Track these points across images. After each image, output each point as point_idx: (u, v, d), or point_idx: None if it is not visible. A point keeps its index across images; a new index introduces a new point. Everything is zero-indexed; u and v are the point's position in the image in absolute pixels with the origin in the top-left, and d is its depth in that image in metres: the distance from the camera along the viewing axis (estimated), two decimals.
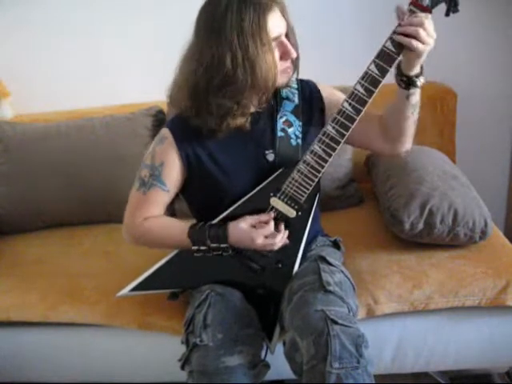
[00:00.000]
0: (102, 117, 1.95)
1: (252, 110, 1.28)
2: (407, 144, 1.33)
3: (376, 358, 1.45)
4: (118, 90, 2.08)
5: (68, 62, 2.07)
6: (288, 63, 1.24)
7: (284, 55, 1.22)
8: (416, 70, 1.16)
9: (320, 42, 1.92)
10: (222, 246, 1.26)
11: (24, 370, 1.58)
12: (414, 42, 1.08)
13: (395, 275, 1.45)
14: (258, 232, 1.24)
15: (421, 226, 1.47)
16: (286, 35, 1.22)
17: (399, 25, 1.10)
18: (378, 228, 1.67)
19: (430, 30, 1.09)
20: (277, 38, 1.19)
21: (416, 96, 1.21)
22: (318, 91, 1.37)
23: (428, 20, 1.08)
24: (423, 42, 1.08)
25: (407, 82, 1.17)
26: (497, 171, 2.23)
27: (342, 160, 1.85)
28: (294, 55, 1.22)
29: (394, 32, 1.11)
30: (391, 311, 1.42)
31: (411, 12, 1.10)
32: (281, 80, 1.25)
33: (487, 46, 2.04)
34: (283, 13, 1.21)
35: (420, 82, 1.18)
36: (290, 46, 1.21)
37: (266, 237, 1.25)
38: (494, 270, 1.44)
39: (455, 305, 1.41)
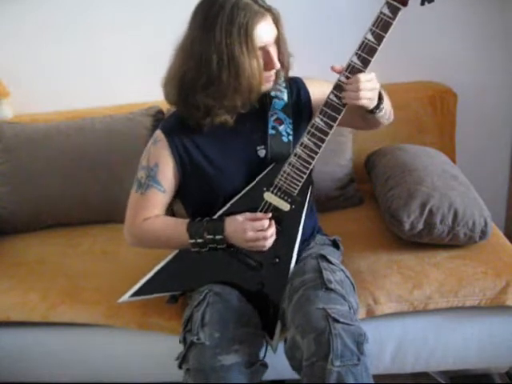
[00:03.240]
0: (102, 117, 1.96)
1: (237, 110, 1.29)
2: (389, 122, 1.40)
3: (376, 358, 1.45)
4: (118, 90, 2.07)
5: (68, 62, 2.07)
6: (271, 73, 1.25)
7: (267, 65, 1.22)
8: (374, 104, 1.22)
9: (314, 40, 1.92)
10: (217, 237, 1.28)
11: (24, 369, 1.58)
12: (360, 101, 1.16)
13: (395, 275, 1.46)
14: (251, 224, 1.25)
15: (421, 225, 1.47)
16: (278, 44, 1.23)
17: (341, 82, 1.17)
18: (378, 228, 1.67)
19: (369, 86, 1.15)
20: (263, 47, 1.20)
21: (382, 110, 1.26)
22: (305, 87, 1.39)
23: (363, 81, 1.14)
24: (367, 99, 1.17)
25: (370, 111, 1.24)
26: (497, 171, 2.23)
27: (342, 160, 1.85)
28: (277, 67, 1.24)
29: (339, 86, 1.18)
30: (391, 311, 1.42)
31: (388, 5, 1.12)
32: (263, 87, 1.27)
33: (487, 46, 2.04)
34: (276, 22, 1.22)
35: (382, 106, 1.25)
36: (274, 58, 1.22)
37: (258, 231, 1.26)
38: (493, 270, 1.44)
39: (455, 305, 1.41)
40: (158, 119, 1.93)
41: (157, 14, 2.00)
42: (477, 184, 1.64)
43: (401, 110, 1.92)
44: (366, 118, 1.31)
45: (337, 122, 1.21)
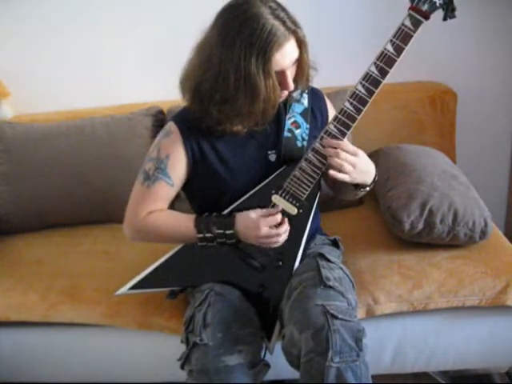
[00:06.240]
0: (102, 117, 1.95)
1: (250, 126, 1.28)
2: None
3: (376, 358, 1.45)
4: (118, 90, 2.08)
5: (68, 62, 2.07)
6: (284, 91, 1.24)
7: (281, 85, 1.21)
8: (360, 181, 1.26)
9: (321, 43, 1.92)
10: (228, 232, 1.26)
11: (24, 369, 1.58)
12: (343, 176, 1.20)
13: (395, 275, 1.46)
14: (265, 220, 1.24)
15: (421, 225, 1.47)
16: (298, 63, 1.22)
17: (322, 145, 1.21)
18: (378, 228, 1.67)
19: (351, 161, 1.20)
20: (280, 71, 1.18)
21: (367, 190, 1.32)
22: (325, 101, 1.40)
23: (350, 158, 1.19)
24: (350, 174, 1.20)
25: (355, 186, 1.29)
26: (497, 171, 2.23)
27: None
28: (290, 89, 1.23)
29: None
30: (391, 311, 1.42)
31: (410, 17, 1.12)
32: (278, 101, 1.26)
33: (487, 46, 2.04)
34: (299, 43, 1.19)
35: (368, 186, 1.30)
36: (289, 80, 1.21)
37: (271, 227, 1.25)
38: (493, 270, 1.44)
39: (455, 305, 1.41)
40: (158, 119, 1.93)
41: (157, 13, 1.99)
42: (477, 184, 1.65)
43: (401, 110, 1.94)
44: (341, 186, 1.35)
45: (350, 130, 1.21)
